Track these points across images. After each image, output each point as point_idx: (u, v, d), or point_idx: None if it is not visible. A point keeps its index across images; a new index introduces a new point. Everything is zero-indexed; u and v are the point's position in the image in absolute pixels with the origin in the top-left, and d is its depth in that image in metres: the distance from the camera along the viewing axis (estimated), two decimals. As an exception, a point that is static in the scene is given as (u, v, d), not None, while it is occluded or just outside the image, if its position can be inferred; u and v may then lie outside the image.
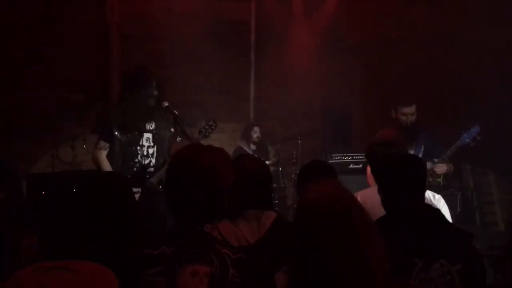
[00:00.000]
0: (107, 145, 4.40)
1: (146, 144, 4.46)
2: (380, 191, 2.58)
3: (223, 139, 7.21)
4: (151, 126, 4.50)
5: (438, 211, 2.54)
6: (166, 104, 5.15)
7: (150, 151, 4.48)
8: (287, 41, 7.31)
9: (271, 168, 6.44)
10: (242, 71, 7.37)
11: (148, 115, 4.47)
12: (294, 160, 6.73)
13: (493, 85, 6.28)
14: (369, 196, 2.97)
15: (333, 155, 6.14)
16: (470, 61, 6.62)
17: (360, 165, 5.59)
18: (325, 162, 3.74)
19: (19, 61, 6.24)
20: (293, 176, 6.70)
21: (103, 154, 4.40)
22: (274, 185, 6.36)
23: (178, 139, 5.69)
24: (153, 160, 4.49)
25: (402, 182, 2.47)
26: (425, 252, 2.27)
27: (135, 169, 4.42)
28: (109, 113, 4.51)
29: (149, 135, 4.48)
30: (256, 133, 6.89)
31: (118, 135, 4.36)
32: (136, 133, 4.41)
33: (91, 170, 4.99)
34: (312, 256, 1.60)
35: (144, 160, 4.45)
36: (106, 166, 4.38)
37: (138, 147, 4.42)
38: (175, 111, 5.10)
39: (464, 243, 2.36)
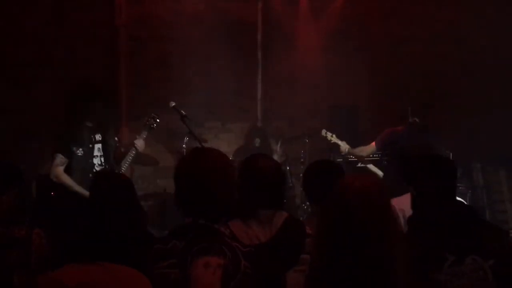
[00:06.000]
0: (65, 160, 4.55)
1: (98, 154, 4.66)
2: (411, 190, 2.63)
3: (231, 138, 7.23)
4: (99, 137, 4.68)
5: (471, 208, 2.62)
6: (173, 104, 5.18)
7: (102, 160, 4.68)
8: (294, 41, 7.31)
9: (279, 168, 6.44)
10: (249, 71, 7.36)
11: (95, 127, 4.65)
12: (302, 160, 6.74)
13: (503, 83, 6.26)
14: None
15: (340, 154, 6.15)
16: (479, 60, 6.60)
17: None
18: (333, 161, 3.74)
19: (27, 63, 6.27)
20: (301, 175, 6.68)
21: (61, 170, 4.56)
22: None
23: (186, 139, 5.73)
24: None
25: (435, 181, 2.54)
26: (457, 248, 2.32)
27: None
28: (65, 131, 4.66)
29: (99, 145, 4.68)
30: (257, 143, 6.88)
31: (76, 150, 4.54)
32: (90, 145, 4.61)
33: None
34: (345, 238, 1.78)
35: (100, 168, 4.67)
36: (67, 179, 4.53)
37: (93, 159, 4.62)
38: (182, 111, 5.13)
39: (497, 240, 2.41)
